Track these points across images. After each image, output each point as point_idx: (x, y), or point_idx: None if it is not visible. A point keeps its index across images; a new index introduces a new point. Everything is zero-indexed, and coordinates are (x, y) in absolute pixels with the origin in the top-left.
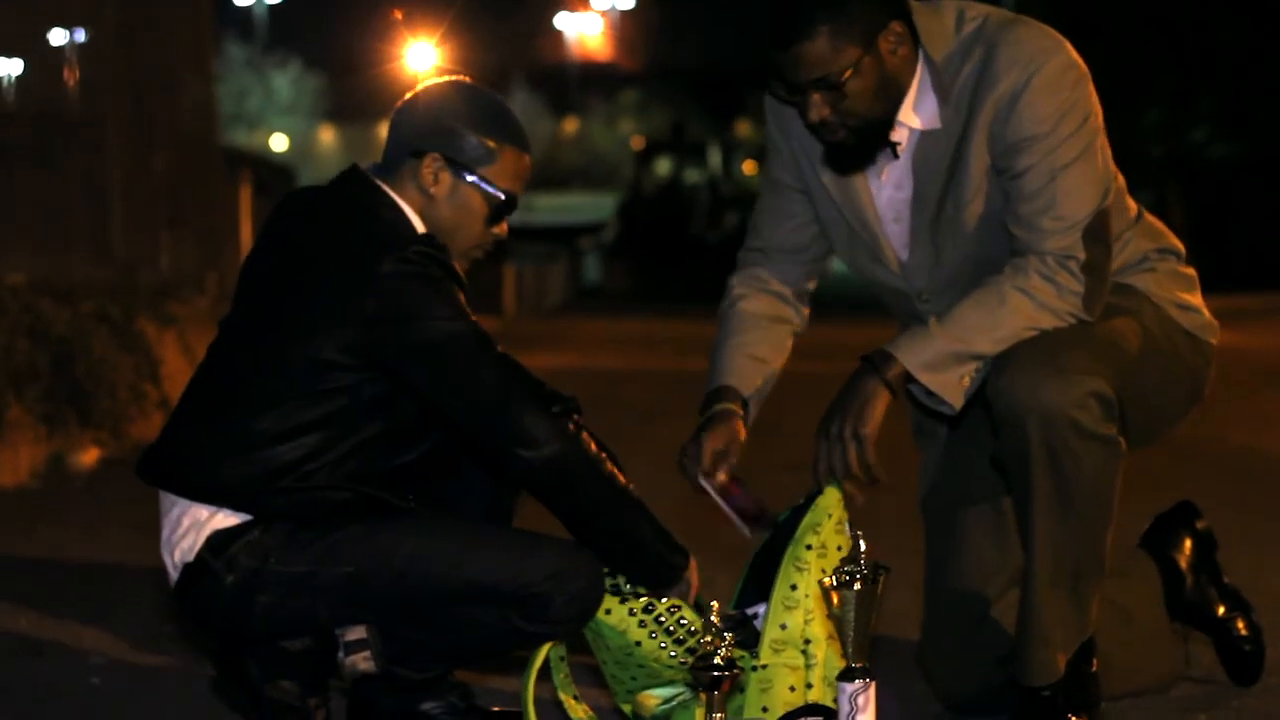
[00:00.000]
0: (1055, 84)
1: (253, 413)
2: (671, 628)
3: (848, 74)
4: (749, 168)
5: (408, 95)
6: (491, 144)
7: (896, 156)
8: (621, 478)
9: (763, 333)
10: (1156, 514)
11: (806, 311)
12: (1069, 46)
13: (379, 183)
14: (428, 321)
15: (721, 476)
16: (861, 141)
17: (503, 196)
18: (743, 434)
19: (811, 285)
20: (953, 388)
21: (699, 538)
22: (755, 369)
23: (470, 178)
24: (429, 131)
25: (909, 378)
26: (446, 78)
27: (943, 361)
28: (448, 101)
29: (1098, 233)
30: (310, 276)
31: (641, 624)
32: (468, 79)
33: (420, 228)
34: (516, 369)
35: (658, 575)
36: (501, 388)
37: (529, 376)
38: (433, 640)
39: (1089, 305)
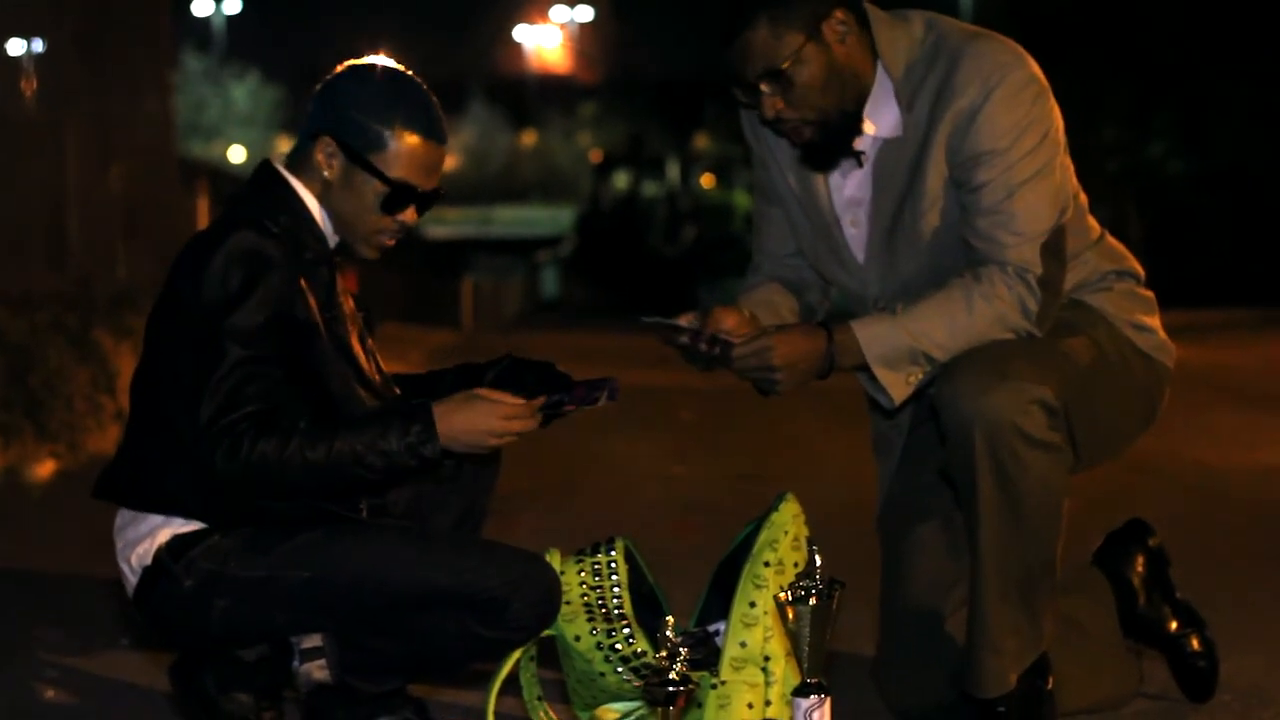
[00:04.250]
0: (1015, 99)
1: (184, 418)
2: (637, 666)
3: (790, 62)
4: (707, 181)
5: (329, 74)
6: (384, 130)
7: (861, 165)
8: (310, 449)
9: (775, 290)
10: (1109, 531)
11: (826, 302)
12: (1031, 61)
13: (280, 169)
14: (192, 311)
15: (683, 320)
16: (827, 139)
17: (395, 184)
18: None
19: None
20: (899, 384)
21: (666, 552)
22: (767, 308)
23: (360, 164)
24: (325, 113)
25: (862, 366)
26: (365, 60)
27: (899, 358)
28: (349, 83)
29: (1054, 248)
30: (172, 278)
31: (607, 659)
32: (387, 62)
33: (316, 211)
34: (240, 385)
35: (422, 465)
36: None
37: (246, 390)
38: (391, 648)
39: (1042, 319)
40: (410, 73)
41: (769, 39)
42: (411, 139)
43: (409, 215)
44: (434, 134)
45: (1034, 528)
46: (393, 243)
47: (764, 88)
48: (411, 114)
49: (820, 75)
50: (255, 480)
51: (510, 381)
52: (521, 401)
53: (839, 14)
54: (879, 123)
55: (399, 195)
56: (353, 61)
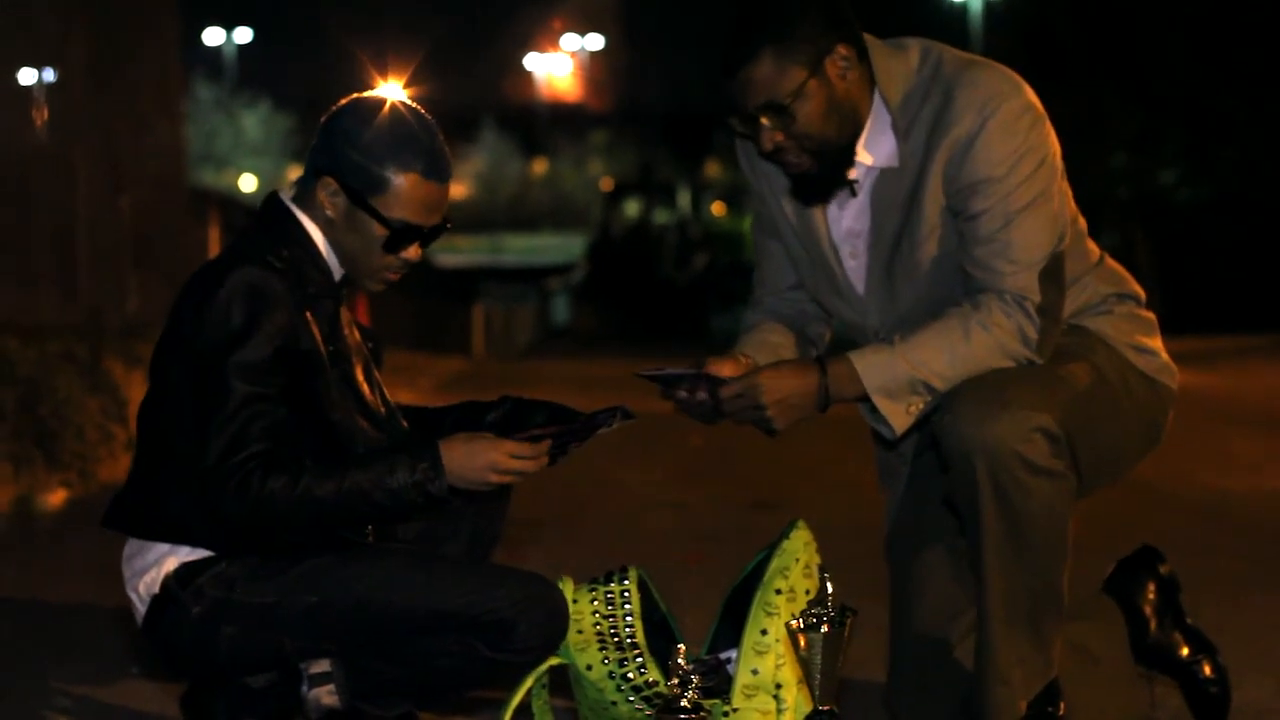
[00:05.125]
0: (1011, 127)
1: (190, 448)
2: (650, 696)
3: (792, 97)
4: (718, 209)
5: (333, 109)
6: (383, 172)
7: (854, 194)
8: (318, 487)
9: (775, 329)
10: (1119, 558)
11: (827, 332)
12: (1027, 89)
13: (287, 203)
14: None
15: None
16: (824, 169)
17: (395, 226)
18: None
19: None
20: (899, 414)
21: (677, 580)
22: (768, 350)
23: (361, 205)
24: (328, 153)
25: (862, 397)
26: (372, 93)
27: (899, 388)
28: (353, 123)
29: (1053, 275)
30: (176, 311)
31: (619, 689)
32: (391, 95)
33: (321, 244)
34: (245, 426)
35: (428, 503)
36: (221, 447)
37: (249, 430)
38: (398, 672)
39: (1042, 347)
40: (414, 106)
41: (772, 73)
42: (412, 180)
43: (412, 253)
44: (435, 174)
45: (1039, 556)
46: (397, 277)
47: (764, 120)
48: (412, 155)
49: (821, 110)
50: (264, 519)
51: (517, 422)
52: (523, 448)
53: (842, 49)
54: (876, 153)
55: (400, 236)
56: (356, 96)
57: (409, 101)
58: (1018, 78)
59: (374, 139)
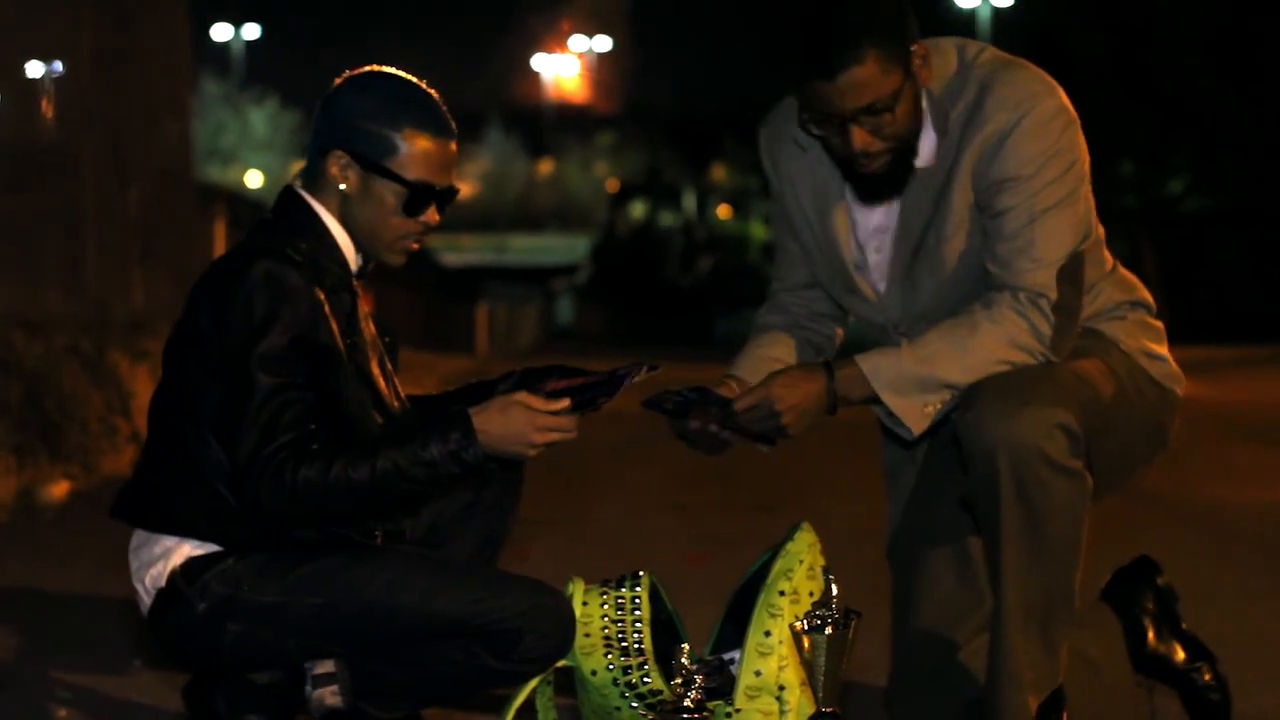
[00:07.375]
0: (1043, 127)
1: (201, 444)
2: (653, 704)
3: (895, 98)
4: (723, 212)
5: (328, 92)
6: (393, 134)
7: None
8: (354, 470)
9: (779, 341)
10: (1119, 567)
11: (839, 331)
12: (1061, 92)
13: (302, 193)
14: (224, 344)
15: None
16: (895, 166)
17: (414, 186)
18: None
19: (839, 311)
20: (915, 413)
21: (679, 581)
22: (765, 366)
23: (376, 171)
24: (332, 128)
25: (872, 398)
26: (361, 70)
27: (908, 385)
28: (351, 94)
29: (1071, 274)
30: (192, 305)
31: (623, 695)
32: (382, 68)
33: (338, 234)
34: (276, 416)
35: (466, 471)
36: (253, 441)
37: (281, 419)
38: (402, 676)
39: (1058, 345)
40: (406, 74)
41: (877, 75)
42: (423, 139)
43: (431, 215)
44: (444, 131)
45: (1055, 555)
46: (418, 246)
47: (862, 120)
48: (418, 114)
49: (910, 109)
50: (302, 508)
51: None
52: (559, 405)
53: (917, 47)
54: (923, 150)
55: (419, 196)
56: (350, 73)
57: (396, 70)
58: (1052, 80)
59: (379, 104)
